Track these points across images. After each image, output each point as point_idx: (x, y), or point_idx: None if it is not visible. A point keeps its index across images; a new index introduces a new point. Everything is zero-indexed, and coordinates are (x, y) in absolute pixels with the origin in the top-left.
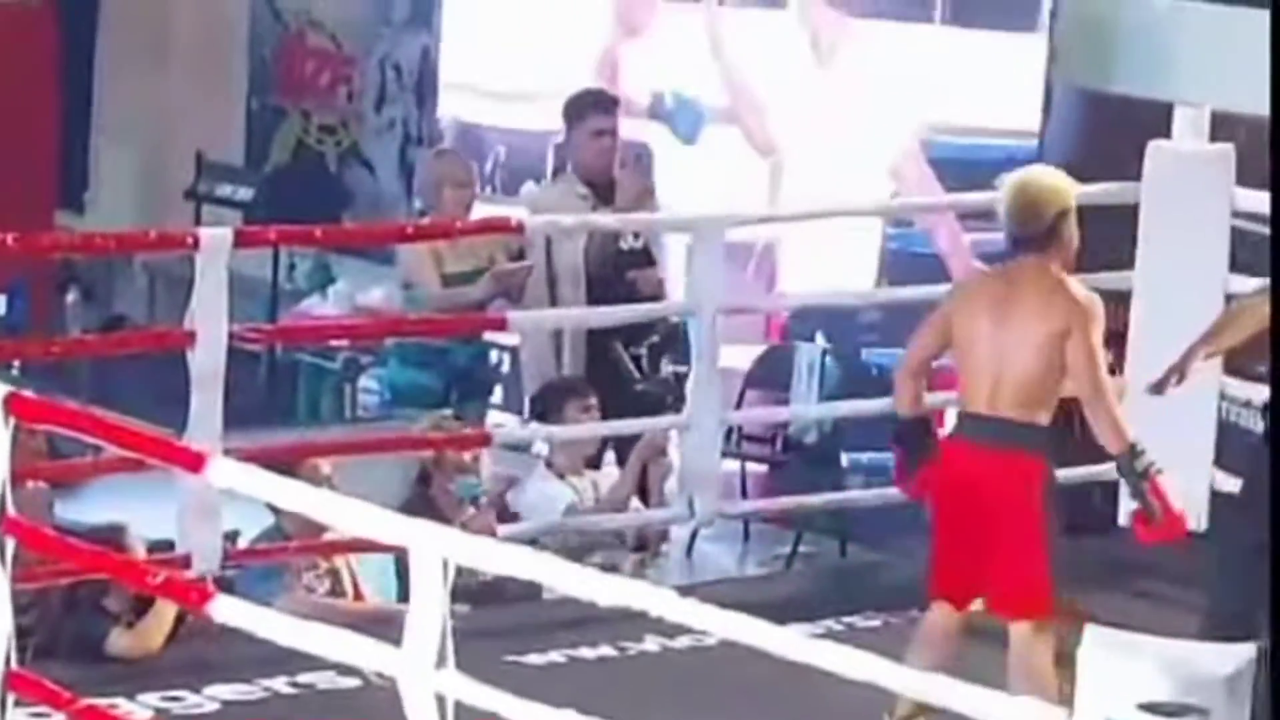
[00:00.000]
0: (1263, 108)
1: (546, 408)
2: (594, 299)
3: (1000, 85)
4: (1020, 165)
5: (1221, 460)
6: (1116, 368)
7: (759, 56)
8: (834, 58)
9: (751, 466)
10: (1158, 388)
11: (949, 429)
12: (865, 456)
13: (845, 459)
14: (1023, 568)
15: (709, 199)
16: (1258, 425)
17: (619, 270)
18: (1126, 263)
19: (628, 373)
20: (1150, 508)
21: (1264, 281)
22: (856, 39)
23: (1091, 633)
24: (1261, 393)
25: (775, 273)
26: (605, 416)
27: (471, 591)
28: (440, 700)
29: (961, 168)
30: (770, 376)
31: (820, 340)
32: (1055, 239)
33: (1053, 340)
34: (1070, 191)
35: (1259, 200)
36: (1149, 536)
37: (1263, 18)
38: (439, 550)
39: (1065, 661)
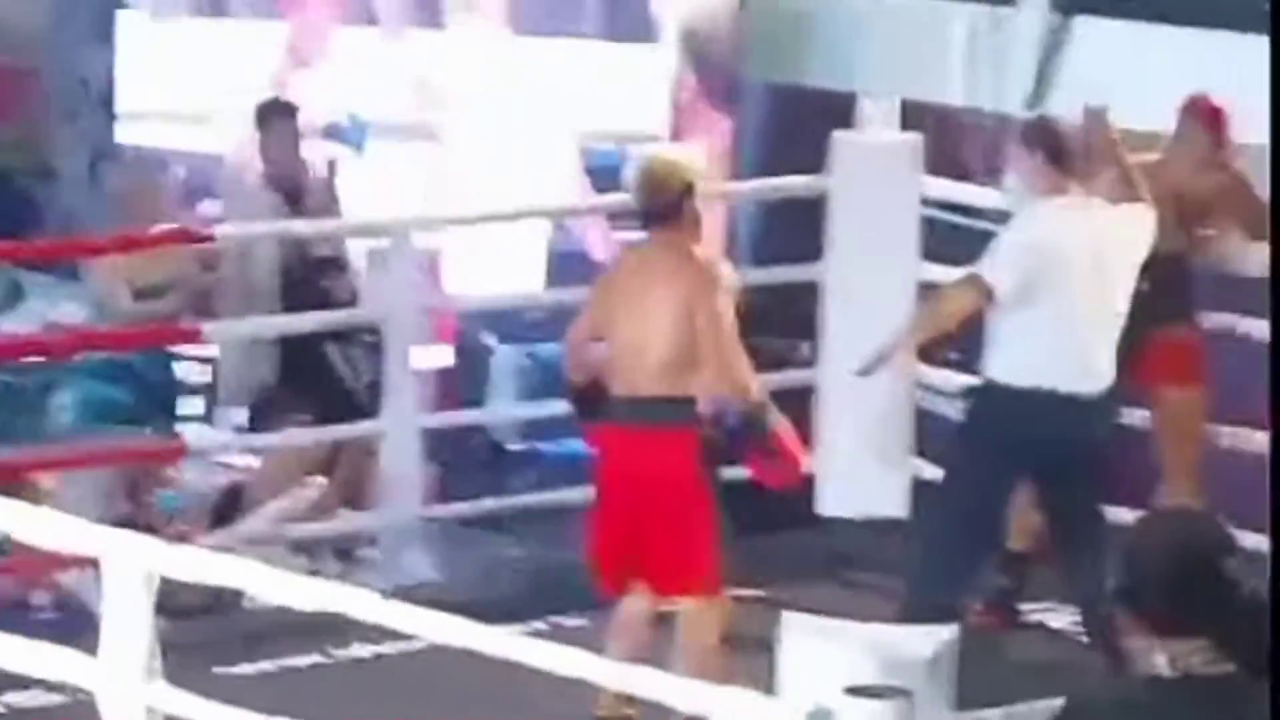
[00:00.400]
0: (952, 97)
1: (256, 416)
2: (290, 306)
3: (639, 94)
4: None
5: (920, 449)
6: None
7: (432, 73)
8: (501, 73)
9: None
10: (864, 371)
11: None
12: (563, 453)
13: (543, 458)
14: (682, 545)
15: (386, 208)
16: (953, 411)
17: (312, 277)
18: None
19: (339, 376)
20: (772, 453)
21: (967, 270)
22: (520, 54)
23: (791, 620)
24: (954, 379)
25: (439, 275)
26: (319, 421)
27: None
28: (150, 713)
29: (611, 173)
30: (462, 379)
31: (491, 340)
32: (682, 213)
33: (685, 309)
34: (695, 168)
35: (948, 188)
36: (769, 479)
37: (952, 9)
38: (137, 559)
39: (732, 642)
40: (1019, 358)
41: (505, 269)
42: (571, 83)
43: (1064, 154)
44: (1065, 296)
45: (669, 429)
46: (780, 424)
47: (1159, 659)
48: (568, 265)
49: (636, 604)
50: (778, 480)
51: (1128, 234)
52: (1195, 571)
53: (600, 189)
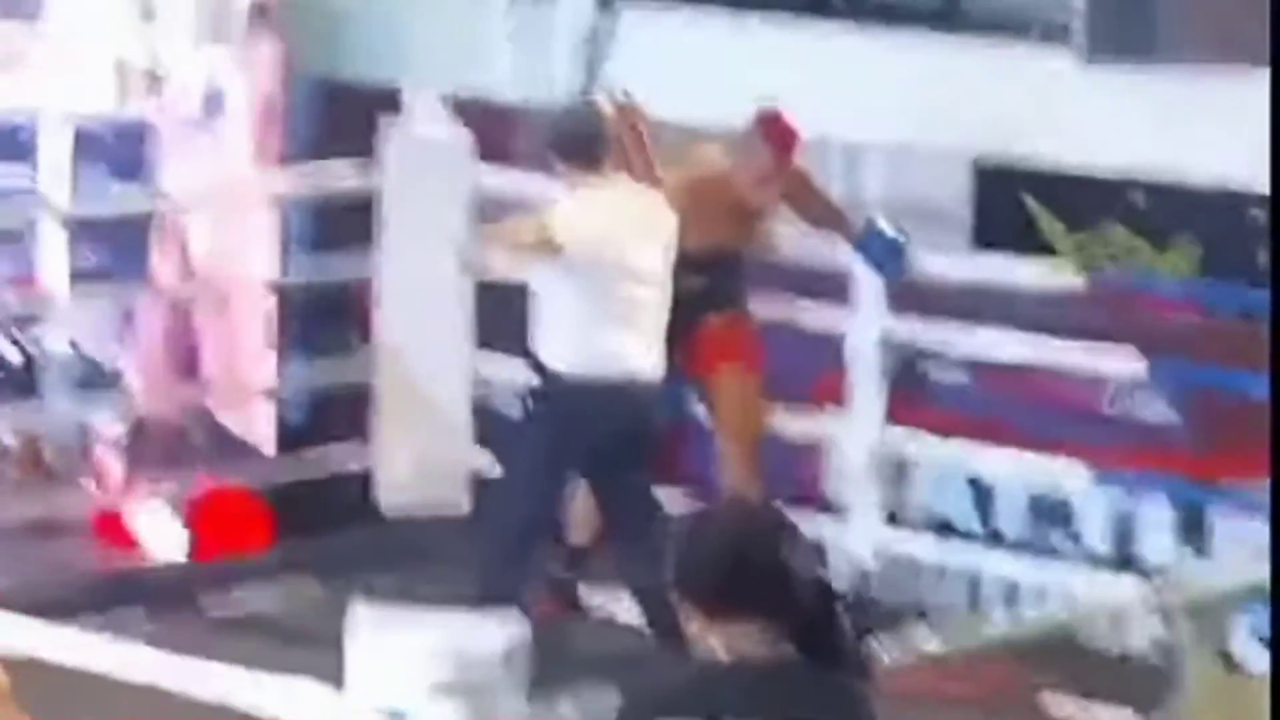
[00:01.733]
0: (498, 88)
1: None
2: None
3: None
4: None
5: (479, 442)
6: None
7: None
8: None
9: None
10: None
11: None
12: None
13: None
14: None
15: None
16: (510, 404)
17: None
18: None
19: None
20: None
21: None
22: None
23: (361, 612)
24: (511, 369)
25: None
26: None
27: None
28: None
29: None
30: None
31: None
32: None
33: None
34: None
35: (500, 177)
36: None
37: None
38: None
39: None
40: (566, 346)
41: None
42: None
43: (589, 145)
44: (599, 283)
45: None
46: None
47: (714, 643)
48: None
49: None
50: None
51: (653, 222)
52: (746, 556)
53: None
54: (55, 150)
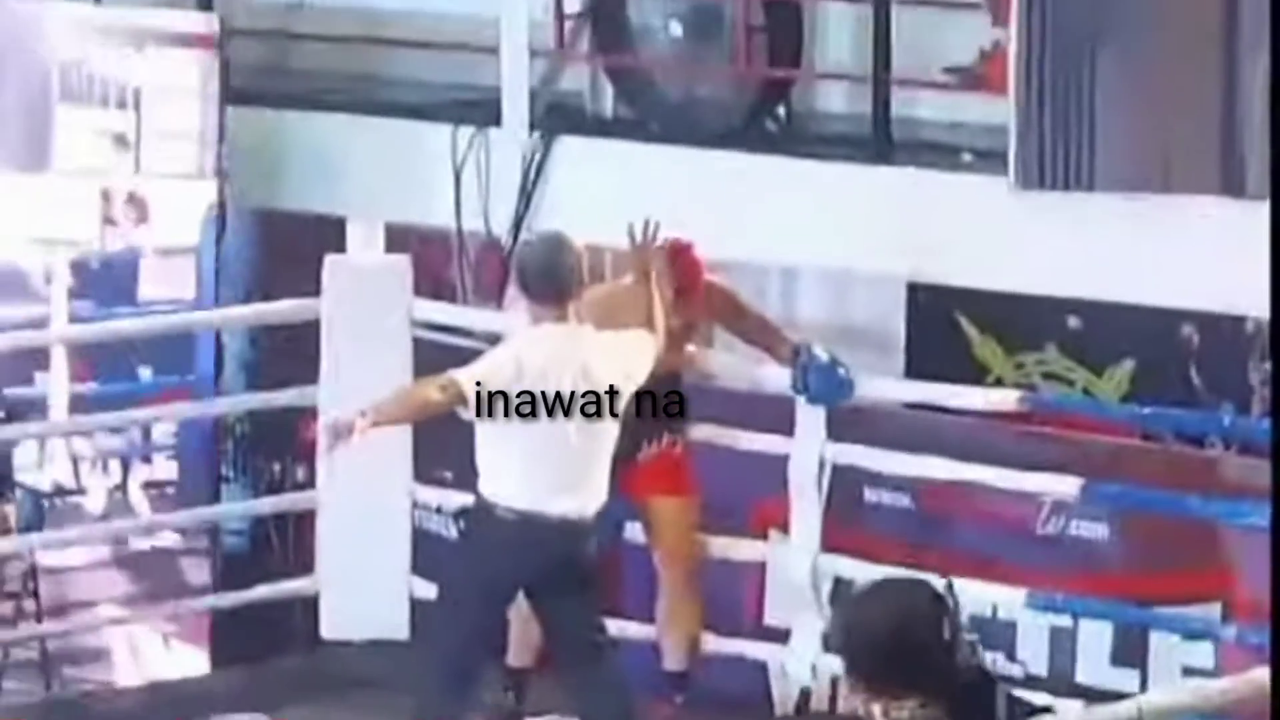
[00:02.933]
0: (436, 218)
1: None
2: None
3: None
4: None
5: (418, 567)
6: None
7: None
8: None
9: None
10: (327, 449)
11: None
12: None
13: None
14: None
15: None
16: (448, 530)
17: None
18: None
19: None
20: None
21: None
22: None
23: None
24: (451, 498)
25: None
26: None
27: None
28: None
29: None
30: None
31: None
32: None
33: None
34: None
35: (437, 309)
36: None
37: (434, 130)
38: None
39: None
40: (507, 479)
41: None
42: None
43: (544, 280)
44: (548, 420)
45: None
46: None
47: (877, 716)
48: None
49: None
50: None
51: (623, 357)
52: (910, 632)
53: None
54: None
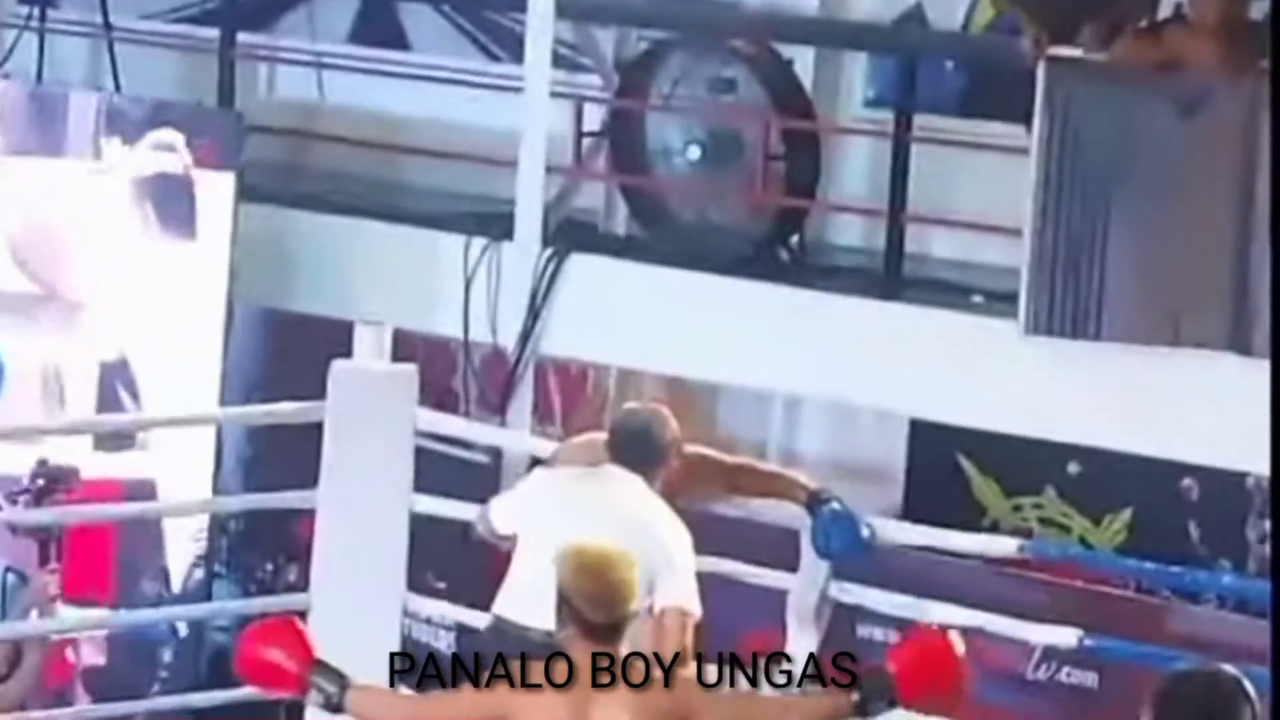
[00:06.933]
0: (445, 327)
1: None
2: None
3: None
4: None
5: (405, 678)
6: None
7: None
8: None
9: None
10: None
11: None
12: None
13: None
14: None
15: None
16: (439, 640)
17: None
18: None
19: None
20: None
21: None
22: None
23: None
24: (440, 608)
25: None
26: None
27: None
28: None
29: None
30: None
31: None
32: None
33: None
34: None
35: (440, 420)
36: None
37: (448, 239)
38: None
39: None
40: (526, 600)
41: None
42: None
43: (638, 449)
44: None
45: None
46: None
47: None
48: None
49: None
50: None
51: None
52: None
53: None
54: None
